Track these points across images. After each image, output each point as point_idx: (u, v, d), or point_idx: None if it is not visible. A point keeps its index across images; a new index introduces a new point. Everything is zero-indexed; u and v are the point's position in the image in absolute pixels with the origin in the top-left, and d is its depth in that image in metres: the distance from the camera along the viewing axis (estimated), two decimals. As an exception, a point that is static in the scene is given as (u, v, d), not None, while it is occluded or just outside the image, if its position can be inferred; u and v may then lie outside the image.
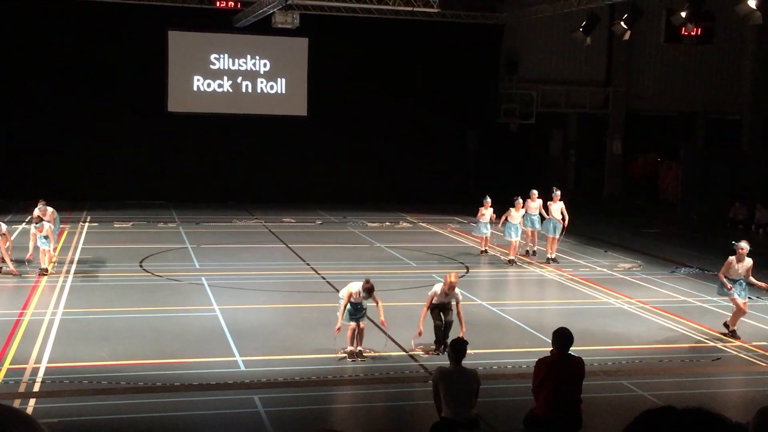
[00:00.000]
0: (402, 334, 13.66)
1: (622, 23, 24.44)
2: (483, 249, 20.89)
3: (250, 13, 26.19)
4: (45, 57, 27.93)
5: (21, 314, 13.86)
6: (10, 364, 11.23)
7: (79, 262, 18.58)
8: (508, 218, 19.79)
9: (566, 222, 19.89)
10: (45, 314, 13.91)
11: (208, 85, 30.25)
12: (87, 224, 23.90)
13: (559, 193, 20.16)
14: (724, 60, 34.50)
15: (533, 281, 18.49)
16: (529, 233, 20.78)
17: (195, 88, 30.13)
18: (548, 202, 20.09)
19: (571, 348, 8.09)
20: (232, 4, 28.46)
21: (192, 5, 28.02)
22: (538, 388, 7.91)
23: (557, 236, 20.03)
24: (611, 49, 33.76)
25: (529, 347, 12.58)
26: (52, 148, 27.66)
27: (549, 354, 8.13)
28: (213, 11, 28.80)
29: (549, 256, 19.91)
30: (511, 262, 19.67)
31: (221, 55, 30.24)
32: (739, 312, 13.74)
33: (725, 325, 13.94)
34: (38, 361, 11.40)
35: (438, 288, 12.18)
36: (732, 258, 13.66)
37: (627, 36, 24.84)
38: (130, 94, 28.70)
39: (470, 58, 31.43)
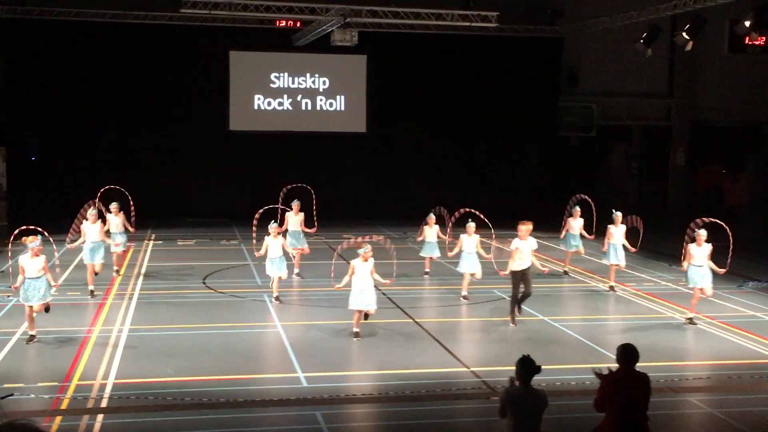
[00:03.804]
0: (461, 348, 13.61)
1: (684, 34, 24.08)
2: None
3: (309, 31, 26.45)
4: (110, 78, 28.58)
5: (89, 331, 14.15)
6: (79, 380, 11.47)
7: (145, 279, 18.91)
8: (462, 247, 17.29)
9: (629, 248, 18.31)
10: (112, 331, 14.17)
11: (269, 104, 30.61)
12: (152, 242, 24.32)
13: (620, 215, 18.27)
14: (791, 69, 33.71)
15: (595, 296, 18.23)
16: (569, 254, 20.13)
17: (256, 107, 30.52)
18: (608, 226, 18.40)
19: (637, 364, 7.95)
20: (292, 23, 28.77)
21: (252, 25, 28.42)
22: (604, 404, 7.78)
23: (623, 264, 18.32)
24: (673, 60, 33.25)
25: (592, 363, 12.38)
26: (116, 166, 28.21)
27: (614, 370, 8.00)
28: (273, 31, 29.16)
29: (611, 284, 18.40)
30: (465, 299, 17.14)
31: (281, 74, 30.60)
32: (695, 299, 15.40)
33: (689, 319, 15.38)
34: (105, 377, 11.61)
35: (517, 242, 14.81)
36: (691, 245, 15.27)
37: (689, 47, 24.44)
38: (193, 114, 29.21)
39: (530, 71, 31.27)
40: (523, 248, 14.81)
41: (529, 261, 14.86)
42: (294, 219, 19.32)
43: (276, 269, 16.36)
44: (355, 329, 14.16)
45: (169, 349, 13.27)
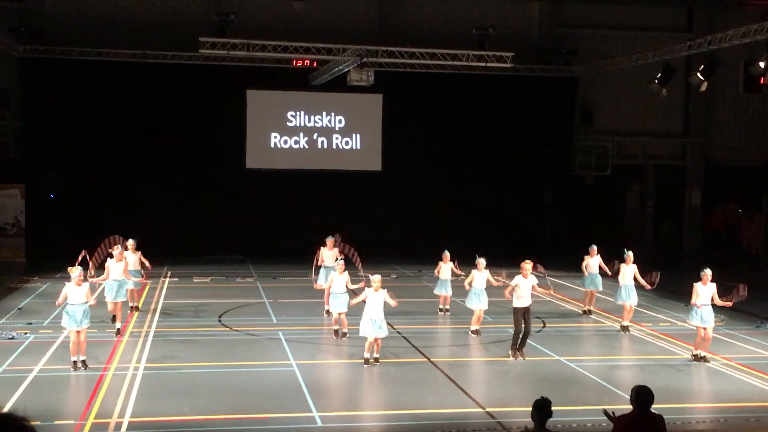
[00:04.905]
0: (476, 388, 13.58)
1: (699, 74, 24.17)
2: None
3: (326, 71, 26.73)
4: (129, 116, 28.92)
5: (105, 368, 14.20)
6: (95, 418, 11.50)
7: (161, 316, 18.98)
8: (472, 283, 17.47)
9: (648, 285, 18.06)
10: (128, 368, 14.22)
11: (285, 142, 30.85)
12: (168, 279, 24.44)
13: (631, 254, 18.20)
14: (807, 109, 33.70)
15: (611, 336, 18.15)
16: (588, 294, 19.94)
17: (272, 145, 30.76)
18: (620, 264, 18.40)
19: (652, 405, 7.93)
20: (309, 62, 29.08)
21: (270, 65, 28.73)
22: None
23: (634, 303, 18.29)
24: (689, 99, 33.36)
25: (608, 404, 12.31)
26: (134, 203, 28.42)
27: (629, 412, 7.98)
28: (290, 70, 29.45)
29: (623, 323, 18.29)
30: (474, 333, 17.35)
31: (298, 112, 30.87)
32: (699, 338, 15.56)
33: (694, 356, 15.57)
34: (121, 415, 11.64)
35: (519, 279, 15.31)
36: (697, 284, 15.49)
37: (704, 87, 24.53)
38: (211, 151, 29.46)
39: (545, 111, 31.42)
40: (524, 286, 15.35)
41: (530, 299, 15.44)
42: (328, 254, 19.37)
43: (339, 305, 16.54)
44: (366, 355, 14.76)
45: (185, 387, 13.30)
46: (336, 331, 16.87)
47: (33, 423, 2.16)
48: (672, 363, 15.60)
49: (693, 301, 15.58)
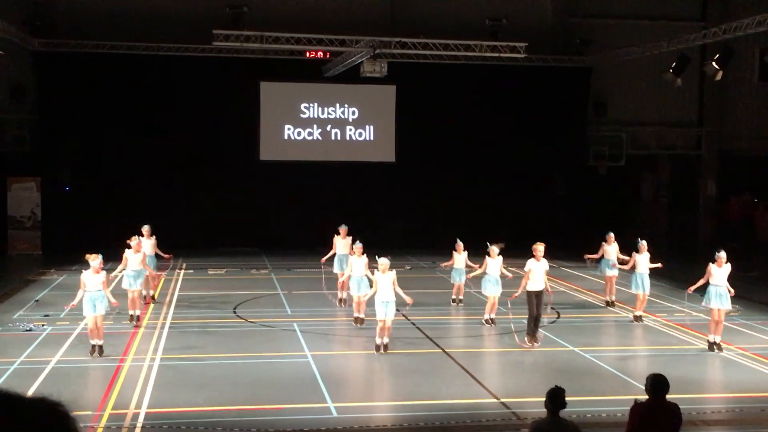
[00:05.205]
0: (490, 379, 13.61)
1: (714, 63, 24.04)
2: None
3: (339, 62, 26.72)
4: (143, 108, 28.98)
5: (122, 360, 14.31)
6: (112, 409, 11.60)
7: (176, 308, 19.09)
8: (486, 270, 17.50)
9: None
10: (144, 360, 14.32)
11: (299, 134, 30.87)
12: (183, 271, 24.56)
13: (644, 243, 18.13)
14: (823, 97, 33.46)
15: (627, 326, 18.13)
16: (608, 281, 19.92)
17: (286, 137, 30.79)
18: (633, 253, 18.32)
19: (668, 395, 7.93)
20: (322, 54, 29.07)
21: (283, 57, 28.77)
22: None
23: (647, 293, 18.20)
24: (703, 88, 33.17)
25: (623, 395, 12.33)
26: (148, 196, 28.52)
27: (644, 401, 7.98)
28: (303, 62, 29.44)
29: (636, 313, 18.24)
30: (488, 323, 17.41)
31: (311, 104, 30.87)
32: (713, 322, 15.48)
33: (710, 343, 15.44)
34: (138, 406, 11.74)
35: (532, 263, 15.38)
36: (712, 265, 15.49)
37: (719, 77, 24.40)
38: (224, 144, 29.52)
39: (558, 101, 31.31)
40: (536, 269, 15.45)
41: (543, 283, 15.54)
42: (342, 242, 19.48)
43: (357, 289, 16.66)
44: (377, 341, 14.88)
45: (201, 378, 13.39)
46: (356, 318, 16.94)
47: (65, 409, 2.17)
48: (687, 354, 15.57)
49: (706, 279, 15.58)
